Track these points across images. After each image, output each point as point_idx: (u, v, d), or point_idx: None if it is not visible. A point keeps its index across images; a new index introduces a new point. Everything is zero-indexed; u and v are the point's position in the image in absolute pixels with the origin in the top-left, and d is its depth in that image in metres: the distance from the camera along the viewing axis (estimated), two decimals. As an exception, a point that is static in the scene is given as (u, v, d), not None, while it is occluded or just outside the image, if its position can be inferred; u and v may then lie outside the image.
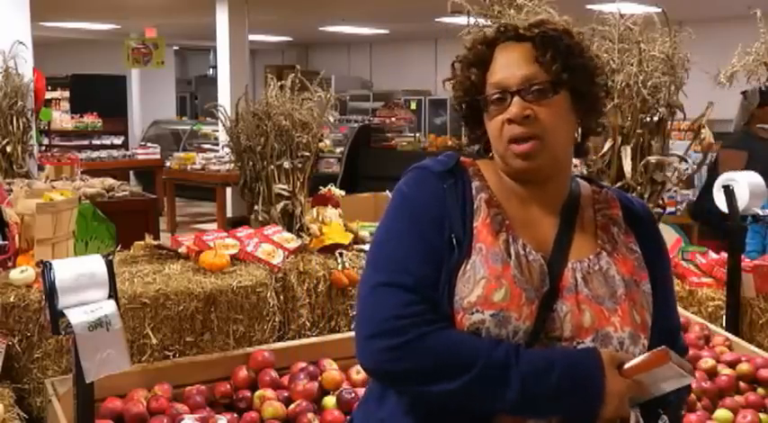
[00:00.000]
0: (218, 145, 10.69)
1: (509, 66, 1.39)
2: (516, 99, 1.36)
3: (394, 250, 1.37)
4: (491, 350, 1.28)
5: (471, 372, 1.27)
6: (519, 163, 1.38)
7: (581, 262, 1.40)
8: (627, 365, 1.31)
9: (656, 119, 3.22)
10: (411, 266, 1.34)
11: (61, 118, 12.69)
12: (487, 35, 1.43)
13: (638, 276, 1.43)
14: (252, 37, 10.94)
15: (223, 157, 9.09)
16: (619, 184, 3.15)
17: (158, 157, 11.09)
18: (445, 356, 1.29)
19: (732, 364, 2.72)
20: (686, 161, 3.44)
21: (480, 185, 1.43)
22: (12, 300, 2.47)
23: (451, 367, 1.28)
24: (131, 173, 11.54)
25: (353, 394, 2.53)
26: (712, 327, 2.95)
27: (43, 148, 9.75)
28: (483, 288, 1.32)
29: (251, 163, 3.41)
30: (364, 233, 3.41)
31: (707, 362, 2.72)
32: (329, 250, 3.21)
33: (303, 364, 2.74)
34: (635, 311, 1.38)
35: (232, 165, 3.82)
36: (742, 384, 2.68)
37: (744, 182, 3.04)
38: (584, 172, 3.22)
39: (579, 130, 1.44)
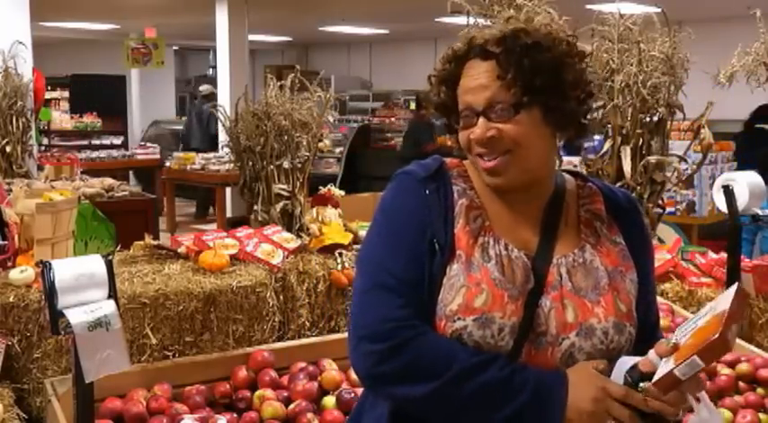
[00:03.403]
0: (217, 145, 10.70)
1: (474, 86, 1.40)
2: (481, 120, 1.38)
3: (379, 255, 1.41)
4: (467, 360, 1.31)
5: (443, 378, 1.31)
6: (488, 179, 1.42)
7: (566, 257, 1.42)
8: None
9: (655, 119, 3.22)
10: (395, 270, 1.37)
11: (61, 118, 12.67)
12: (457, 52, 1.44)
13: (623, 267, 1.45)
14: (252, 37, 10.93)
15: (223, 157, 9.09)
16: (619, 183, 3.15)
17: (158, 156, 11.09)
18: (424, 362, 1.32)
19: (732, 364, 2.72)
20: (686, 161, 3.45)
21: (462, 189, 1.45)
22: (11, 300, 2.47)
23: (427, 372, 1.32)
24: (131, 173, 11.54)
25: (353, 394, 2.53)
26: (712, 327, 2.95)
27: (43, 148, 9.73)
28: (463, 296, 1.35)
29: (251, 163, 3.41)
30: (364, 233, 3.40)
31: (707, 362, 2.72)
32: (329, 250, 3.21)
33: (303, 364, 2.74)
34: (619, 301, 1.40)
35: (232, 165, 3.82)
36: (741, 384, 2.68)
37: (743, 182, 3.04)
38: (584, 172, 3.22)
39: (558, 138, 1.45)
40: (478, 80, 1.39)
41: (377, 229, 1.46)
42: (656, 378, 1.27)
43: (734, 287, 1.33)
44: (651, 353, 1.32)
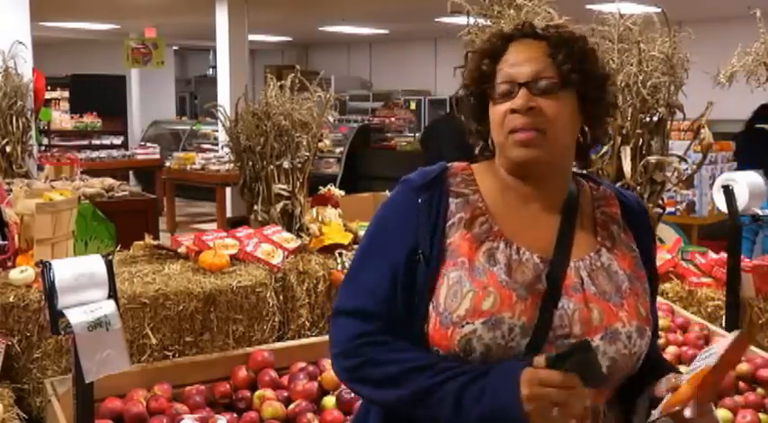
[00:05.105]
0: (217, 145, 10.69)
1: (520, 60, 1.41)
2: (523, 91, 1.38)
3: (355, 269, 1.47)
4: (426, 370, 1.33)
5: (404, 388, 1.33)
6: (518, 152, 1.39)
7: (583, 260, 1.41)
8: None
9: (655, 119, 3.22)
10: (371, 286, 1.41)
11: (61, 118, 12.67)
12: (505, 31, 1.46)
13: (636, 273, 1.46)
14: (252, 37, 10.93)
15: (223, 157, 9.09)
16: (618, 184, 3.15)
17: (158, 156, 11.09)
18: (391, 373, 1.35)
19: (732, 365, 2.72)
20: (686, 161, 3.44)
21: (462, 201, 1.43)
22: (11, 300, 2.47)
23: (397, 382, 1.34)
24: (131, 173, 11.54)
25: (353, 394, 2.53)
26: (712, 327, 2.95)
27: (43, 148, 9.73)
28: (471, 300, 1.34)
29: (250, 163, 3.41)
30: (363, 233, 3.41)
31: (707, 362, 2.72)
32: (329, 250, 3.21)
33: (303, 364, 2.74)
34: (639, 305, 1.41)
35: (232, 165, 3.82)
36: (741, 384, 2.68)
37: (743, 182, 3.04)
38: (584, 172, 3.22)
39: (588, 135, 1.46)
40: (527, 54, 1.41)
41: (364, 239, 1.50)
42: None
43: (734, 334, 1.35)
44: (661, 382, 1.38)
